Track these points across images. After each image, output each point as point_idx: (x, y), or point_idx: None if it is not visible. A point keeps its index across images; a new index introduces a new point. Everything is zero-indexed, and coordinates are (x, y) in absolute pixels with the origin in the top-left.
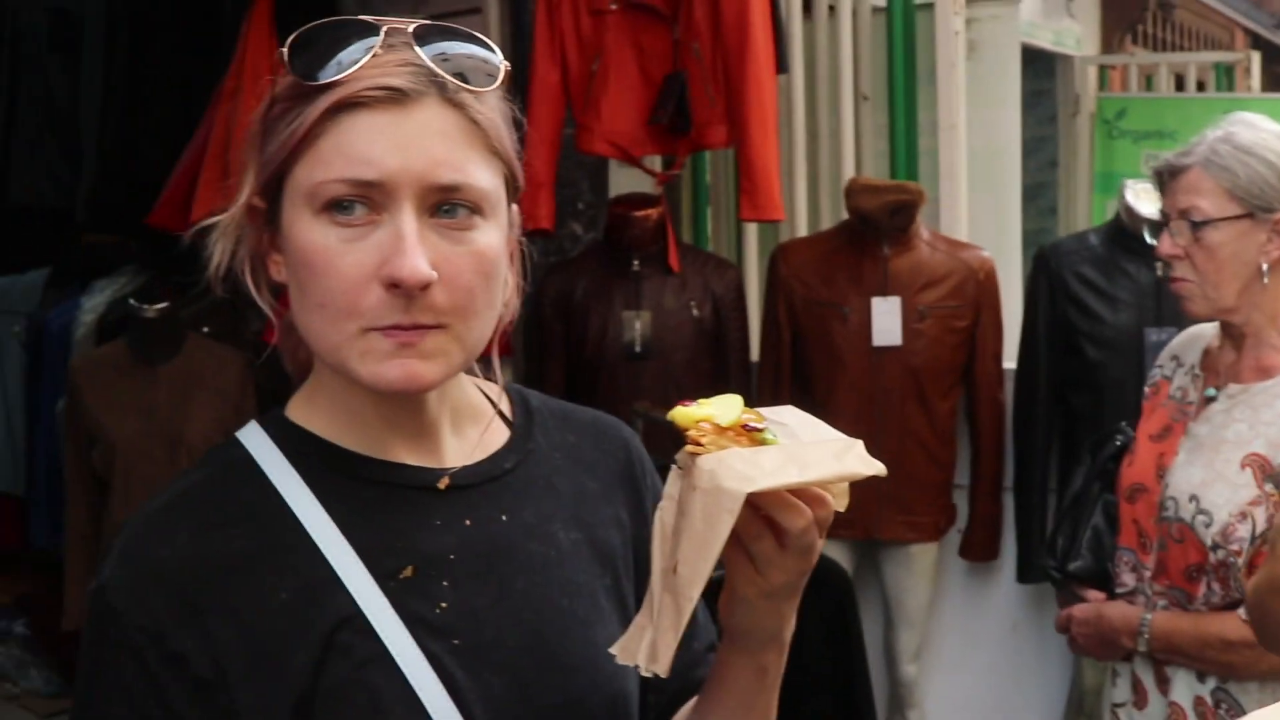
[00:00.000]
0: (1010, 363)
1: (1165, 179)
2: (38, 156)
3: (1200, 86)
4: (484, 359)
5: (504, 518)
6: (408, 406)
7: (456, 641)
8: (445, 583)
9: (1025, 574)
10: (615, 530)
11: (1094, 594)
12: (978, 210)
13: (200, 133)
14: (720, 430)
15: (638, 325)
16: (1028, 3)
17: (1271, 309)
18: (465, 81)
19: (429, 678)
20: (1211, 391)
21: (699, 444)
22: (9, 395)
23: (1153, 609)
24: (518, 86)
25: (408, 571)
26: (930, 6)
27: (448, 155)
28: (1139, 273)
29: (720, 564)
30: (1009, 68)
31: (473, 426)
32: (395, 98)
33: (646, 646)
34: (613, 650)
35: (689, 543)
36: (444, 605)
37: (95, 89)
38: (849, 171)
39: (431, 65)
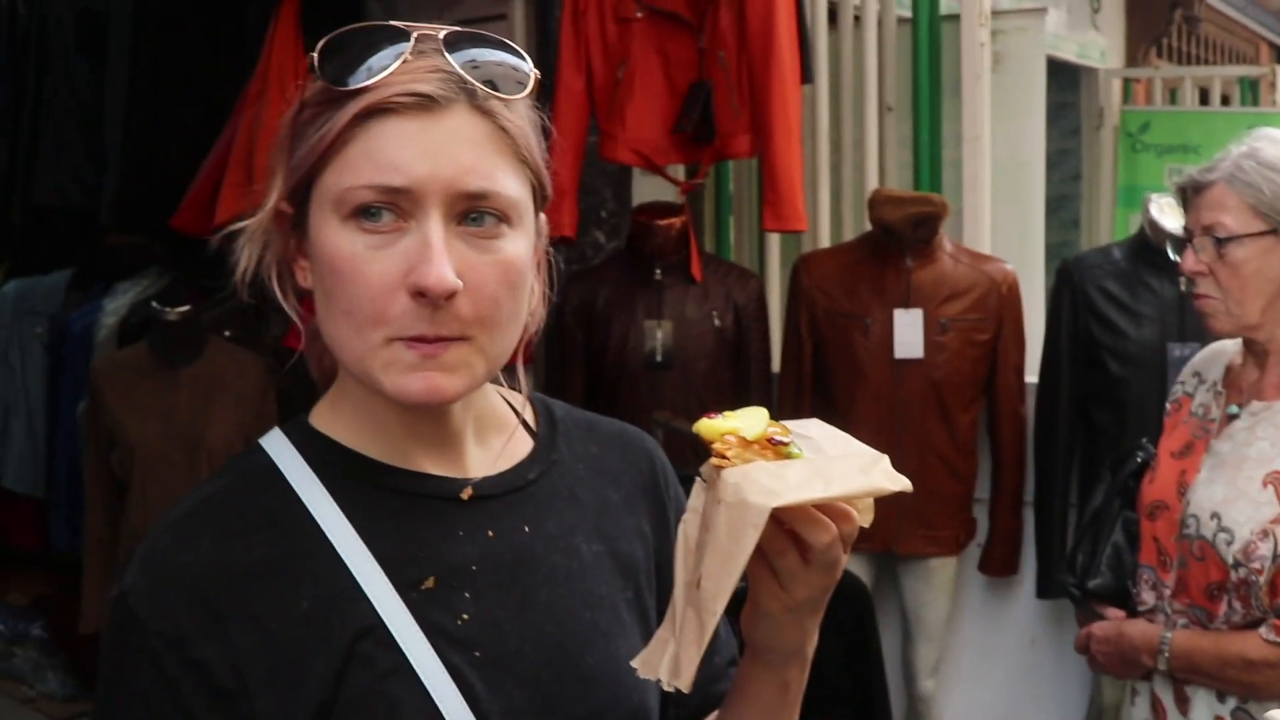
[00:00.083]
0: (1032, 376)
1: (1189, 195)
2: (63, 158)
3: (1225, 100)
4: (509, 368)
5: (527, 529)
6: (432, 416)
7: (478, 653)
8: (467, 594)
9: (1045, 589)
10: (638, 542)
11: (1114, 612)
12: (1001, 222)
13: (225, 136)
14: (745, 443)
15: (659, 334)
16: (1053, 15)
17: None
18: (495, 89)
19: (449, 689)
20: (1234, 409)
21: (724, 457)
22: (30, 397)
23: (1172, 627)
24: (543, 93)
25: (430, 582)
26: (956, 18)
27: (476, 163)
28: (1162, 287)
29: (743, 578)
30: (1034, 80)
31: (497, 436)
32: (425, 104)
33: (669, 660)
34: (634, 664)
35: (713, 557)
36: (466, 617)
37: (120, 91)
38: (872, 182)
39: (461, 72)
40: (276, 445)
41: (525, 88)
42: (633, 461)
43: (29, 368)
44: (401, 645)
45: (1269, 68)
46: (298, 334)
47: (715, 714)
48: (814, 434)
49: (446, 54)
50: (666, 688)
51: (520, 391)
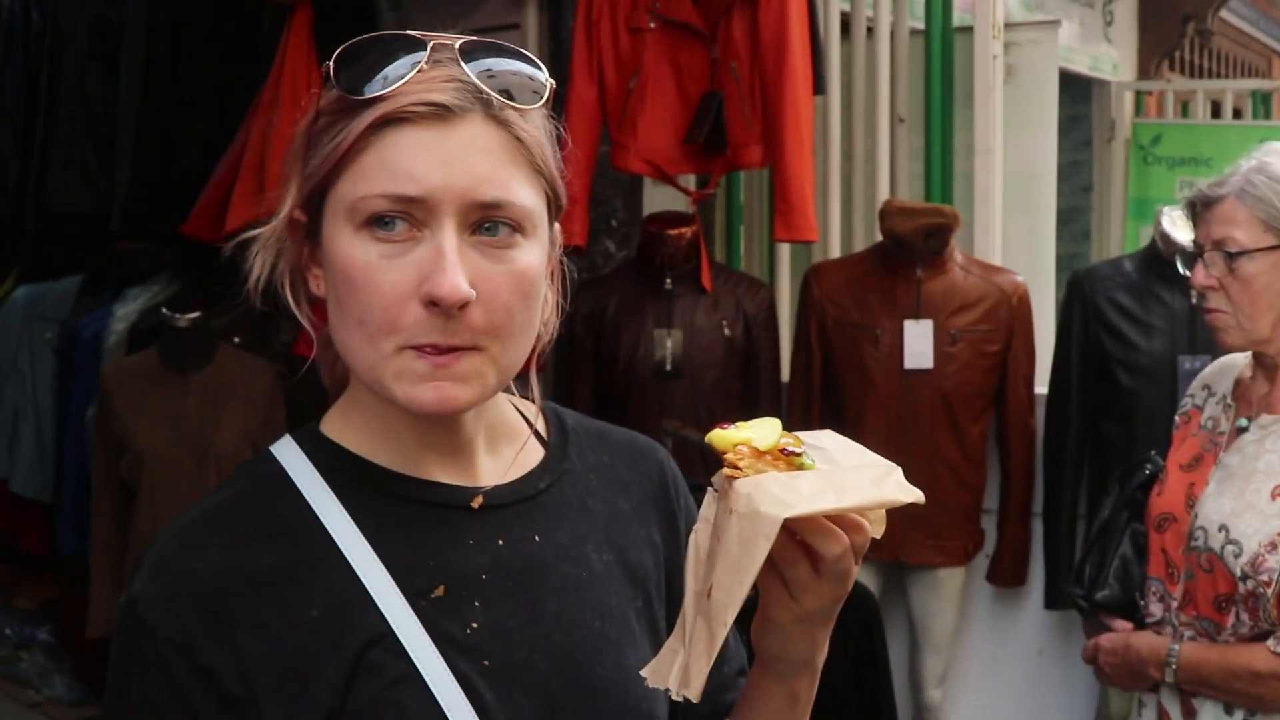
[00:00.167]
0: (1042, 388)
1: (1198, 209)
2: (75, 164)
3: (1237, 114)
4: (522, 377)
5: (537, 538)
6: (443, 425)
7: (487, 662)
8: (477, 603)
9: (1053, 600)
10: (648, 552)
11: (1121, 624)
12: (1012, 234)
13: (236, 143)
14: (758, 454)
15: (669, 344)
16: (1065, 28)
17: None
18: (511, 98)
19: (458, 699)
20: (1243, 422)
21: (736, 467)
22: (39, 402)
23: (1180, 639)
24: (555, 103)
25: (439, 591)
26: (969, 30)
27: (491, 172)
28: (1173, 300)
29: (754, 588)
30: (1046, 92)
31: (508, 445)
32: (440, 114)
33: (678, 670)
34: (644, 673)
35: (724, 567)
36: (475, 626)
37: (133, 98)
38: (884, 193)
39: (477, 81)
40: (287, 453)
41: (541, 97)
42: (643, 471)
43: (39, 373)
44: (411, 654)
45: None
46: (308, 341)
47: None
48: (827, 445)
49: (462, 63)
50: (676, 697)
51: (533, 401)
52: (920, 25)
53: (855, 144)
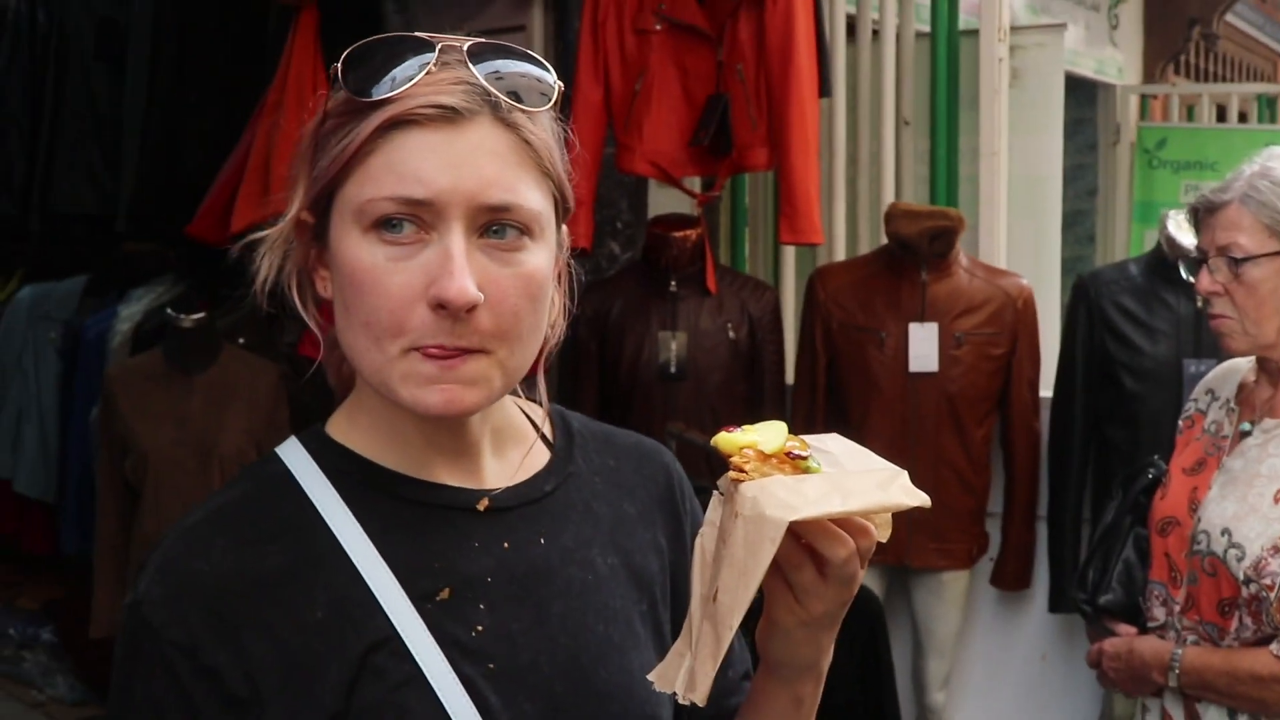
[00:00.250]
0: (1046, 391)
1: (1201, 215)
2: (80, 165)
3: (1242, 118)
4: (529, 379)
5: (542, 541)
6: (449, 427)
7: (492, 665)
8: (482, 605)
9: (1057, 604)
10: (653, 555)
11: (1125, 628)
12: (1017, 237)
13: (242, 144)
14: (764, 457)
15: (673, 346)
16: (1071, 31)
17: None
18: (519, 101)
19: (463, 701)
20: (1247, 426)
21: (742, 470)
22: (43, 402)
23: (1183, 644)
24: (562, 104)
25: (444, 593)
26: (974, 33)
27: (499, 175)
28: (1178, 304)
29: (759, 592)
30: (1052, 95)
31: (514, 448)
32: (448, 116)
33: (684, 674)
34: (651, 677)
35: (729, 570)
36: (480, 628)
37: (139, 99)
38: (889, 196)
39: (485, 84)
40: (292, 454)
41: (549, 99)
42: (649, 474)
43: (43, 373)
44: (415, 656)
45: None
46: (312, 342)
47: None
48: (833, 448)
49: (470, 65)
50: (682, 701)
51: (540, 404)
52: (926, 28)
53: (860, 147)
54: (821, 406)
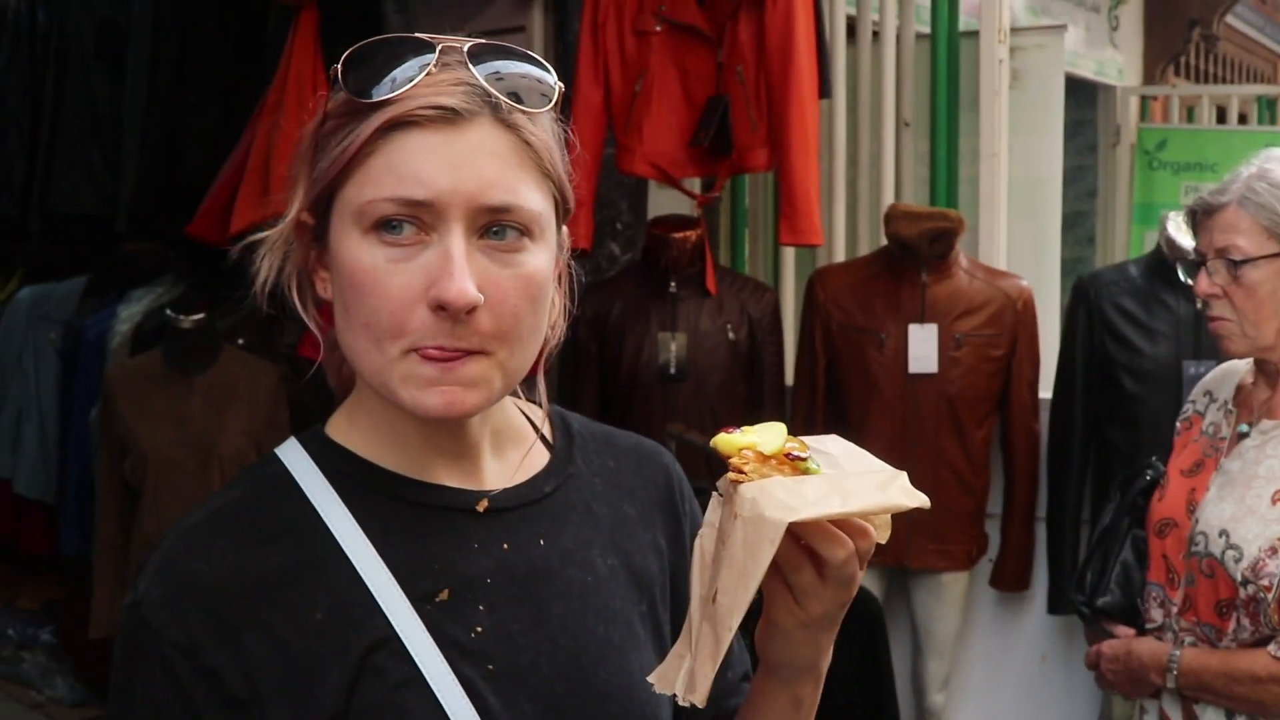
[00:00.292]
0: (1046, 392)
1: (1199, 217)
2: (80, 165)
3: (1242, 119)
4: (529, 380)
5: (542, 542)
6: (449, 428)
7: (491, 666)
8: (481, 607)
9: (1056, 605)
10: (653, 556)
11: (1123, 630)
12: (1017, 238)
13: (242, 145)
14: (763, 458)
15: (673, 347)
16: (1071, 33)
17: None
18: (519, 101)
19: (462, 703)
20: (1244, 427)
21: (741, 472)
22: (43, 402)
23: (1181, 645)
24: (562, 105)
25: (444, 594)
26: (974, 34)
27: (499, 176)
28: (1178, 305)
29: (758, 593)
30: (1052, 97)
31: (514, 449)
32: (448, 117)
33: (684, 675)
34: (651, 679)
35: (729, 571)
36: (480, 629)
37: (139, 99)
38: (889, 198)
39: (485, 85)
40: (292, 455)
41: (549, 100)
42: (649, 475)
43: (42, 373)
44: (415, 657)
45: None
46: (312, 343)
47: None
48: (832, 450)
49: (471, 66)
50: (682, 702)
51: (540, 405)
52: (926, 29)
53: (860, 148)
54: (821, 408)
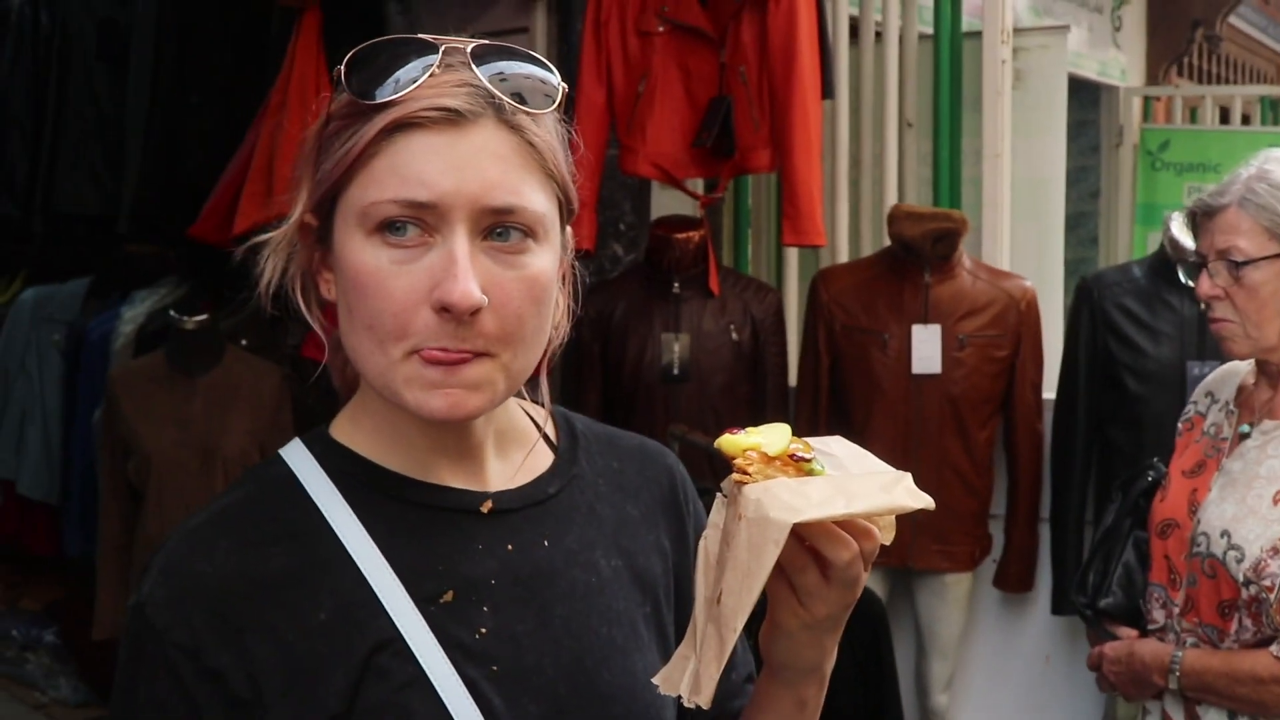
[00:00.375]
0: (1050, 393)
1: (1200, 219)
2: (83, 166)
3: (1245, 120)
4: (532, 381)
5: (546, 543)
6: (453, 429)
7: (495, 667)
8: (485, 608)
9: (1060, 606)
10: (657, 558)
11: (1125, 631)
12: (1020, 239)
13: (245, 146)
14: (767, 459)
15: (676, 348)
16: (1074, 33)
17: None
18: (523, 102)
19: (466, 703)
20: (1246, 428)
21: (745, 473)
22: (46, 403)
23: (1183, 646)
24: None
25: (448, 595)
26: (977, 35)
27: (502, 178)
28: (1181, 306)
29: (763, 594)
30: (1055, 97)
31: (517, 450)
32: (452, 119)
33: (689, 677)
34: (656, 680)
35: (733, 572)
36: (484, 630)
37: (141, 100)
38: (892, 198)
39: (489, 86)
40: (296, 456)
41: (553, 101)
42: (653, 476)
43: (46, 375)
44: (419, 658)
45: None
46: (315, 344)
47: None
48: (836, 451)
49: (474, 67)
50: (687, 704)
51: (544, 405)
52: (929, 30)
53: (863, 149)
54: (824, 408)
